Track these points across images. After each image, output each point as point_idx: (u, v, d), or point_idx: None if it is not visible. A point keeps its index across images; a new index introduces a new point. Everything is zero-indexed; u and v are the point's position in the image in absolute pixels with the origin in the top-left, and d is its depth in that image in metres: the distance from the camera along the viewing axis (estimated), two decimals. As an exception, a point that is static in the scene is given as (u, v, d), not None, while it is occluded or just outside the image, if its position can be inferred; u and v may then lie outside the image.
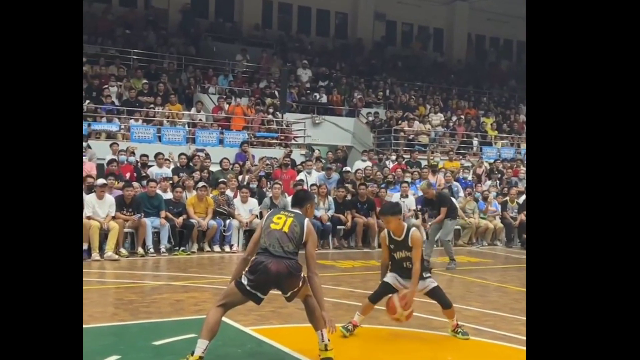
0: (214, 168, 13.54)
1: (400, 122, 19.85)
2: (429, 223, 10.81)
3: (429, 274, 5.52)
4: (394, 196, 13.08)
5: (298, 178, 13.45)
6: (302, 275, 4.51)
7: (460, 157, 18.22)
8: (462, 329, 5.50)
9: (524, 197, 14.39)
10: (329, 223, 12.21)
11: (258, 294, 4.39)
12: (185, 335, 5.17)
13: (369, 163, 15.61)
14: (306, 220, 4.64)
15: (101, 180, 10.61)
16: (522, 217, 13.65)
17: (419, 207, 12.72)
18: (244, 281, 4.36)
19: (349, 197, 12.81)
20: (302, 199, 4.93)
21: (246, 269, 4.44)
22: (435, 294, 5.46)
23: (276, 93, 19.49)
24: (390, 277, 5.51)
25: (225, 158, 13.84)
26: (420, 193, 13.61)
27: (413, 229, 5.40)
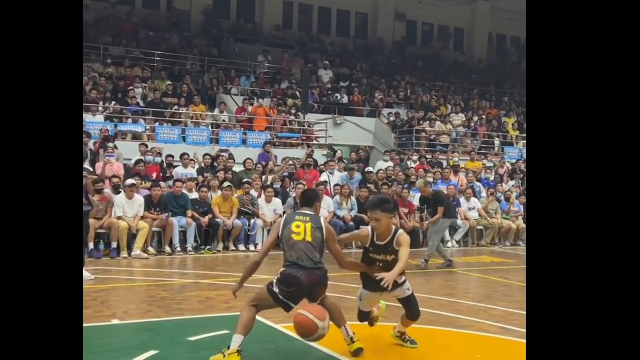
0: (238, 168, 13.71)
1: (421, 122, 19.88)
2: (426, 222, 10.68)
3: (403, 278, 4.93)
4: (416, 196, 13.14)
5: (322, 179, 13.57)
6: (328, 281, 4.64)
7: (482, 157, 18.22)
8: (410, 337, 5.15)
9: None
10: (351, 223, 12.32)
11: (290, 304, 4.53)
12: (218, 331, 5.32)
13: (390, 163, 15.69)
14: (322, 220, 4.68)
15: (130, 181, 10.83)
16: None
17: (417, 205, 12.67)
18: (276, 290, 4.46)
19: (371, 197, 12.89)
20: (312, 198, 4.89)
21: (277, 277, 4.51)
22: (408, 301, 4.95)
23: (297, 94, 19.64)
24: (365, 303, 5.09)
25: (248, 158, 14.01)
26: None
27: (400, 231, 4.80)
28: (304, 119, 18.40)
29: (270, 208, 12.07)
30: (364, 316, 5.24)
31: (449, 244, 13.03)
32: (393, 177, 14.28)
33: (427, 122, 19.89)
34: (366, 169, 15.03)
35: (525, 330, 5.86)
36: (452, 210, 10.72)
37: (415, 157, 16.81)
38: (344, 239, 5.79)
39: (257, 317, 4.67)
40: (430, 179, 13.20)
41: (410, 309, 4.95)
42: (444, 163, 16.50)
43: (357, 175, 14.19)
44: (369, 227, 4.80)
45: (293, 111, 18.30)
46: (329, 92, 20.78)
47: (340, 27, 26.56)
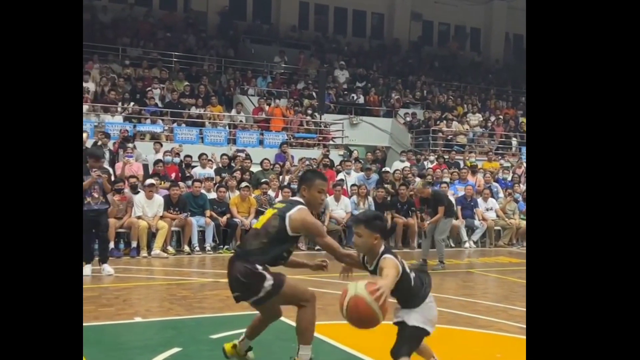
0: (255, 168, 13.80)
1: (438, 122, 19.85)
2: (427, 222, 10.57)
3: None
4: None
5: (338, 178, 13.61)
6: (258, 281, 3.95)
7: (499, 157, 18.14)
8: None
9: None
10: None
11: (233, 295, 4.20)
12: (239, 329, 5.36)
13: (407, 163, 15.68)
14: (295, 209, 3.99)
15: (149, 181, 10.95)
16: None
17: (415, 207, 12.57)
18: None
19: (388, 197, 12.91)
20: (299, 182, 4.32)
21: None
22: (403, 331, 3.73)
23: (314, 94, 19.69)
24: None
25: (265, 159, 14.10)
26: (460, 193, 13.65)
27: (385, 255, 3.63)
28: (320, 119, 18.46)
29: (287, 208, 12.12)
30: None
31: (467, 245, 13.01)
32: (410, 177, 14.27)
33: (444, 122, 19.85)
34: (383, 169, 15.04)
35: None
36: (452, 209, 10.62)
37: (432, 158, 16.79)
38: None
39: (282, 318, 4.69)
40: (430, 180, 13.13)
41: (400, 341, 3.75)
42: (461, 163, 16.46)
43: (374, 176, 14.21)
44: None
45: (309, 112, 18.36)
46: (345, 92, 20.82)
47: (357, 27, 26.59)
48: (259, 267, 3.96)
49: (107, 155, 12.22)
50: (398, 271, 3.54)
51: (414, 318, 3.68)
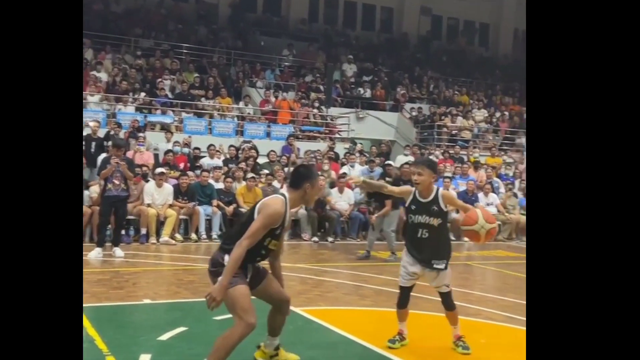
0: (262, 160, 14.15)
1: (442, 117, 20.10)
2: (375, 215, 10.87)
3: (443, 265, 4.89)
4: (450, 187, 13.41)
5: (341, 171, 13.93)
6: (217, 271, 3.93)
7: (503, 153, 18.39)
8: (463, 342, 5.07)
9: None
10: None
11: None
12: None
13: (411, 158, 15.95)
14: (265, 199, 4.03)
15: (160, 169, 11.32)
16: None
17: (365, 199, 12.62)
18: None
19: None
20: (297, 177, 4.14)
21: None
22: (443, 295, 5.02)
23: (321, 87, 19.98)
24: (407, 276, 4.95)
25: (272, 150, 14.44)
26: (461, 188, 13.95)
27: (441, 189, 4.95)
28: (327, 112, 18.76)
29: (292, 199, 12.47)
30: (404, 301, 4.97)
31: (465, 238, 13.28)
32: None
33: (449, 117, 20.09)
34: (386, 162, 15.33)
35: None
36: (399, 201, 10.99)
37: (438, 152, 17.06)
38: (390, 190, 5.42)
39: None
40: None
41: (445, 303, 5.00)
42: (465, 158, 16.73)
43: (378, 169, 14.51)
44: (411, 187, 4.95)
45: (316, 105, 18.66)
46: (353, 86, 21.09)
47: (366, 21, 26.80)
48: (226, 258, 3.88)
49: (127, 144, 12.58)
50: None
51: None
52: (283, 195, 4.05)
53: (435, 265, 4.83)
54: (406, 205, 5.00)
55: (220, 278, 3.79)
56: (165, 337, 4.96)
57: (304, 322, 5.71)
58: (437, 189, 4.89)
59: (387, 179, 13.21)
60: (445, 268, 4.88)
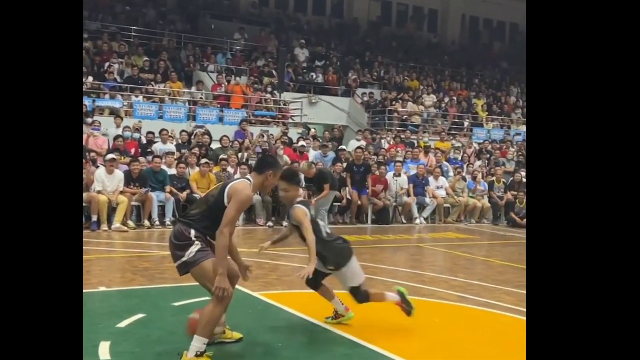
0: (214, 145, 14.05)
1: (393, 102, 20.37)
2: (314, 199, 11.19)
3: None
4: (387, 175, 13.66)
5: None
6: (186, 244, 4.06)
7: (451, 137, 18.82)
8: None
9: (511, 177, 15.06)
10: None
11: None
12: (200, 298, 5.75)
13: (363, 142, 16.16)
14: (237, 180, 4.21)
15: (110, 155, 11.12)
16: (509, 196, 14.34)
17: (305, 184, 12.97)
18: None
19: (343, 174, 13.37)
20: (263, 164, 4.35)
21: None
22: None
23: (274, 72, 19.92)
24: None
25: (225, 135, 14.35)
26: (412, 172, 14.23)
27: (294, 205, 4.89)
28: (279, 97, 18.73)
29: (246, 184, 12.46)
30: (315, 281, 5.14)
31: (417, 221, 13.61)
32: (365, 157, 14.74)
33: (400, 102, 20.38)
34: (339, 147, 15.48)
35: (482, 299, 6.44)
36: (336, 184, 11.57)
37: (389, 137, 17.31)
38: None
39: (237, 286, 5.05)
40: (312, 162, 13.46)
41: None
42: (415, 143, 17.04)
43: (331, 154, 14.64)
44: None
45: (269, 89, 18.60)
46: (305, 71, 21.10)
47: (317, 5, 26.77)
48: (192, 233, 4.06)
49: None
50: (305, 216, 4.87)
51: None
52: (248, 179, 4.23)
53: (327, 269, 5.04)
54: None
55: (218, 270, 3.92)
56: (123, 324, 4.95)
57: (262, 307, 5.78)
58: None
59: (340, 164, 13.39)
60: (337, 269, 5.00)
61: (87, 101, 14.49)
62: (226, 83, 17.90)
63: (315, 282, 5.10)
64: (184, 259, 4.09)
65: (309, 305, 5.66)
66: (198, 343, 4.00)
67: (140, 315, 5.19)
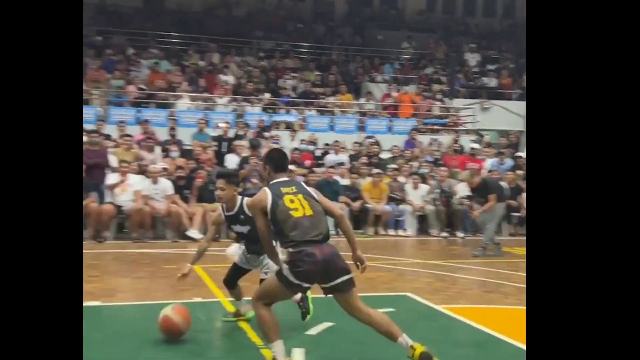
0: (384, 155, 14.04)
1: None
2: (478, 211, 10.13)
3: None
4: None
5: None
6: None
7: None
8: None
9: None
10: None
11: (303, 285, 4.05)
12: (385, 308, 5.65)
13: (542, 148, 15.15)
14: (304, 185, 4.30)
15: (289, 167, 11.54)
16: None
17: (465, 195, 11.78)
18: (288, 274, 3.99)
19: (520, 182, 12.60)
20: (286, 160, 4.43)
21: (285, 262, 4.04)
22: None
23: (443, 79, 19.52)
24: (237, 257, 5.29)
25: (395, 145, 14.29)
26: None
27: (245, 199, 4.98)
28: (450, 104, 18.28)
29: (417, 194, 12.28)
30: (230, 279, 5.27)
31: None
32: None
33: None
34: (516, 154, 14.66)
35: None
36: (503, 195, 10.23)
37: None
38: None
39: (417, 299, 4.91)
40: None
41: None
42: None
43: (509, 161, 13.91)
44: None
45: (439, 97, 18.24)
46: (476, 76, 20.41)
47: (487, 7, 25.84)
48: None
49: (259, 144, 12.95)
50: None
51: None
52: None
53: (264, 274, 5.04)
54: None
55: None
56: (313, 331, 5.00)
57: (445, 320, 5.54)
58: (242, 199, 5.01)
59: (519, 171, 12.63)
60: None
61: (265, 117, 15.30)
62: (395, 93, 17.87)
63: (234, 280, 5.23)
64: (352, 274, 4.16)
65: (491, 320, 5.32)
66: (273, 349, 4.06)
67: (327, 324, 5.22)
